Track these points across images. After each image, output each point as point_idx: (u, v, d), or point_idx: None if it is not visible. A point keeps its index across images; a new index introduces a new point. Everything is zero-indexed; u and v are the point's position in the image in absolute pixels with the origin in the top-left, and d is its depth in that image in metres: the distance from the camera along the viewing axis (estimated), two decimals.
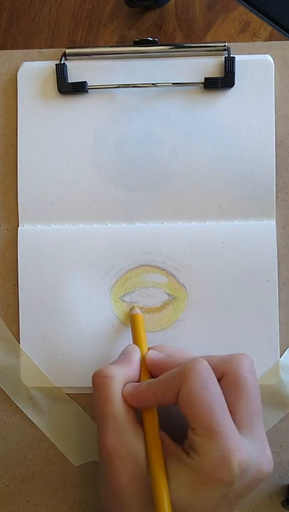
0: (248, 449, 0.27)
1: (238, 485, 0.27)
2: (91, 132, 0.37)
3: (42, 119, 0.37)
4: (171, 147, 0.36)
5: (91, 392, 0.36)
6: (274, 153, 0.36)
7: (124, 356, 0.33)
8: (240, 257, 0.36)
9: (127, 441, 0.29)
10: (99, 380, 0.30)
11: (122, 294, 0.36)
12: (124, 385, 0.31)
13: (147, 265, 0.36)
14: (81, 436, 0.37)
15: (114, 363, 0.32)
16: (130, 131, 0.37)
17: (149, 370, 0.32)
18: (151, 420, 0.30)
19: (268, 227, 0.36)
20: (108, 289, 0.36)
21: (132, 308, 0.36)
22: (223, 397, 0.28)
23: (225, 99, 0.36)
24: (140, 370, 0.32)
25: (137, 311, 0.35)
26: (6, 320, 0.37)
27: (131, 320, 0.35)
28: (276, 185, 0.36)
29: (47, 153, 0.37)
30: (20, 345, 0.36)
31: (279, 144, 0.36)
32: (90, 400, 0.37)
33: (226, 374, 0.29)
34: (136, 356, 0.32)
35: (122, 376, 0.31)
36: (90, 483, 0.37)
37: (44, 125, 0.37)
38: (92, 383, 0.31)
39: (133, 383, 0.31)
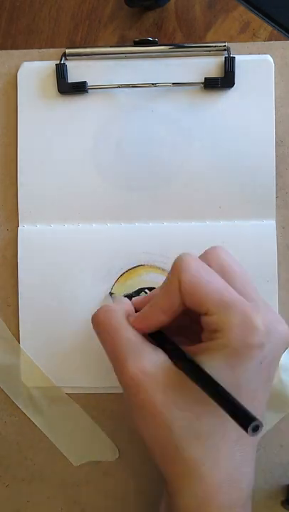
0: (263, 310, 0.28)
1: (267, 348, 0.27)
2: (91, 132, 0.37)
3: (42, 119, 0.37)
4: (171, 147, 0.36)
5: (91, 392, 0.36)
6: (274, 153, 0.36)
7: (115, 301, 0.33)
8: (240, 257, 0.36)
9: (148, 358, 0.28)
10: (101, 316, 0.30)
11: (122, 294, 0.36)
12: (125, 316, 0.30)
13: (147, 265, 0.36)
14: (81, 436, 0.37)
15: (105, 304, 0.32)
16: (130, 131, 0.37)
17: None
18: (164, 339, 0.29)
19: (267, 227, 0.36)
20: (108, 288, 0.36)
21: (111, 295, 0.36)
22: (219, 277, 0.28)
23: (225, 99, 0.36)
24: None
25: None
26: (6, 320, 0.37)
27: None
28: (276, 185, 0.36)
29: (47, 154, 0.37)
30: (20, 345, 0.36)
31: (279, 144, 0.36)
32: (90, 400, 0.37)
33: (210, 261, 0.29)
34: (125, 299, 0.33)
35: (122, 309, 0.31)
36: (90, 483, 0.37)
37: (44, 125, 0.37)
38: (95, 323, 0.30)
39: (134, 313, 0.31)
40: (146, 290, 0.36)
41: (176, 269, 0.28)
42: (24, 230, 0.37)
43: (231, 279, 0.29)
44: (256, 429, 0.23)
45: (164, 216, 0.37)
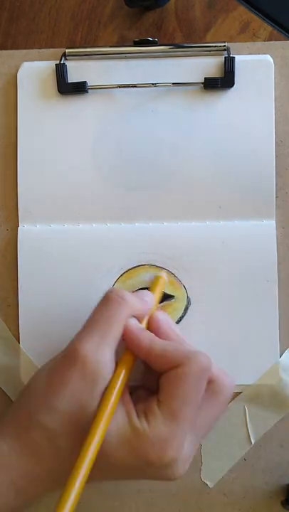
0: (186, 451, 0.28)
1: (153, 471, 0.28)
2: (91, 132, 0.37)
3: (42, 119, 0.37)
4: (171, 147, 0.36)
5: None
6: (274, 153, 0.36)
7: (139, 295, 0.33)
8: (240, 257, 0.36)
9: (100, 359, 0.28)
10: (114, 296, 0.30)
11: None
12: (130, 317, 0.31)
13: (147, 265, 0.36)
14: None
15: (130, 292, 0.32)
16: (130, 131, 0.37)
17: (151, 327, 0.32)
18: (128, 364, 0.30)
19: (267, 227, 0.36)
20: (108, 288, 0.36)
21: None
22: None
23: (225, 99, 0.36)
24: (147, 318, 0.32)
25: (162, 274, 0.36)
26: (6, 320, 0.37)
27: (154, 280, 0.35)
28: (276, 185, 0.36)
29: (47, 154, 0.37)
30: (20, 345, 0.36)
31: (279, 144, 0.37)
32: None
33: (213, 380, 0.30)
34: (150, 301, 0.33)
35: (133, 308, 0.31)
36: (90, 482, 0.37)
37: (44, 125, 0.37)
38: (106, 295, 0.31)
39: (139, 324, 0.31)
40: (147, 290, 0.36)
41: (189, 357, 0.29)
42: (24, 230, 0.37)
43: (206, 408, 0.30)
44: None
45: (164, 216, 0.37)
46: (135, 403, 0.29)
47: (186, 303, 0.36)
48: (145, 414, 0.28)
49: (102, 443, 0.27)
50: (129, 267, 0.36)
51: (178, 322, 0.36)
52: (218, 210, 0.36)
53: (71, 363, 0.28)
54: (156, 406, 0.28)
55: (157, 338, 0.30)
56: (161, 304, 0.36)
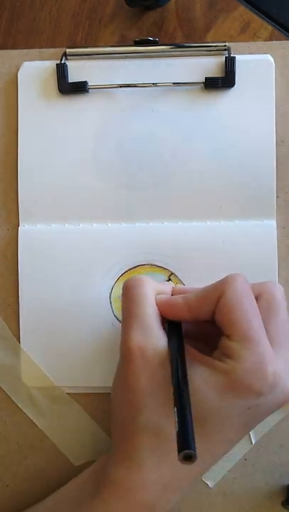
0: (281, 363, 0.28)
1: (264, 399, 0.27)
2: (91, 132, 0.37)
3: (42, 119, 0.37)
4: (171, 147, 0.36)
5: (91, 391, 0.36)
6: (274, 153, 0.36)
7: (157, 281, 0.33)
8: (241, 256, 0.36)
9: (153, 341, 0.29)
10: (132, 282, 0.31)
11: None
12: (156, 295, 0.31)
13: (148, 265, 0.36)
14: (81, 435, 0.37)
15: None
16: (131, 130, 0.37)
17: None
18: (177, 331, 0.30)
19: (268, 227, 0.36)
20: (108, 288, 0.36)
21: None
22: (259, 314, 0.29)
23: (225, 99, 0.36)
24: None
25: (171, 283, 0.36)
26: (7, 319, 0.37)
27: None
28: (276, 185, 0.36)
29: (47, 153, 0.37)
30: (21, 345, 0.36)
31: (279, 144, 0.36)
32: (90, 400, 0.37)
33: (262, 294, 0.30)
34: (169, 283, 0.33)
35: (155, 286, 0.31)
36: None
37: (44, 125, 0.37)
38: (124, 286, 0.31)
39: (166, 295, 0.31)
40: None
41: (225, 282, 0.29)
42: (24, 229, 0.37)
43: (271, 319, 0.29)
44: (188, 458, 0.23)
45: (164, 216, 0.37)
46: (211, 355, 0.29)
47: None
48: (225, 355, 0.28)
49: (202, 410, 0.26)
50: (130, 267, 0.36)
51: None
52: (218, 210, 0.36)
53: (131, 361, 0.29)
54: (229, 341, 0.28)
55: (187, 292, 0.31)
56: None
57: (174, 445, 0.23)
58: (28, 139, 0.37)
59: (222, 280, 0.29)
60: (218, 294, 0.29)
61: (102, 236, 0.36)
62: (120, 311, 0.36)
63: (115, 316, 0.36)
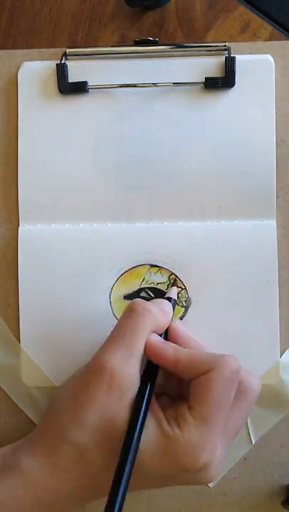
0: (219, 455, 0.28)
1: (188, 476, 0.28)
2: (91, 132, 0.37)
3: (42, 119, 0.37)
4: (171, 147, 0.36)
5: None
6: (274, 153, 0.36)
7: (158, 305, 0.32)
8: (241, 256, 0.36)
9: (128, 371, 0.29)
10: (141, 309, 0.30)
11: (123, 294, 0.36)
12: (152, 331, 0.31)
13: (148, 265, 0.36)
14: None
15: (152, 304, 0.32)
16: (131, 130, 0.37)
17: (170, 337, 0.32)
18: (154, 374, 0.30)
19: (268, 227, 0.36)
20: (108, 288, 0.36)
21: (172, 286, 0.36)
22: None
23: (225, 99, 0.36)
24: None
25: (174, 288, 0.36)
26: (7, 320, 0.37)
27: (169, 289, 0.36)
28: (276, 185, 0.36)
29: (47, 153, 0.37)
30: (21, 345, 0.36)
31: (279, 144, 0.36)
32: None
33: (242, 381, 0.30)
34: (169, 312, 0.33)
35: (157, 321, 0.31)
36: None
37: (44, 125, 0.37)
38: (131, 307, 0.31)
39: (159, 337, 0.31)
40: (147, 290, 0.36)
41: (219, 362, 0.29)
42: (25, 229, 0.37)
43: (236, 408, 0.30)
44: None
45: (164, 216, 0.37)
46: (163, 410, 0.29)
47: (186, 303, 0.36)
48: (176, 420, 0.28)
49: (138, 461, 0.27)
50: (130, 267, 0.36)
51: None
52: (218, 210, 0.36)
53: (97, 376, 0.29)
54: (188, 412, 0.28)
55: (181, 348, 0.31)
56: None
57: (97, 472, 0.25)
58: (28, 138, 0.37)
59: (217, 357, 0.29)
60: (207, 367, 0.29)
61: (102, 236, 0.36)
62: (120, 311, 0.36)
63: (115, 316, 0.36)
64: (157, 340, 0.31)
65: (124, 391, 0.28)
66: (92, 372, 0.29)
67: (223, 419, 0.28)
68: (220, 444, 0.28)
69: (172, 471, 0.28)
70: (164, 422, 0.28)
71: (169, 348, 0.30)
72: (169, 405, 0.30)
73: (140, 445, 0.27)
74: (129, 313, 0.31)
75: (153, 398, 0.30)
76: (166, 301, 0.34)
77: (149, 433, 0.28)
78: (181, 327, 0.33)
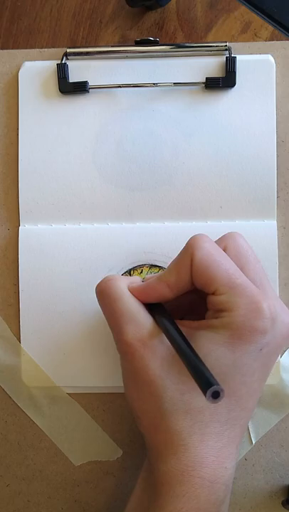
0: (271, 299, 0.28)
1: (270, 335, 0.27)
2: (92, 132, 0.37)
3: (43, 118, 0.37)
4: (172, 147, 0.36)
5: (92, 391, 0.36)
6: (275, 153, 0.36)
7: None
8: None
9: (146, 328, 0.29)
10: (103, 284, 0.30)
11: None
12: (129, 286, 0.31)
13: (148, 265, 0.36)
14: (82, 435, 0.37)
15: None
16: (131, 130, 0.37)
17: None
18: (162, 310, 0.30)
19: (268, 226, 0.36)
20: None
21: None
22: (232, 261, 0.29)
23: (226, 99, 0.36)
24: None
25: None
26: (7, 319, 0.37)
27: None
28: (277, 185, 0.36)
29: (48, 153, 0.37)
30: (21, 345, 0.36)
31: (280, 144, 0.36)
32: (90, 400, 0.37)
33: (228, 245, 0.30)
34: (137, 276, 0.33)
35: (124, 278, 0.31)
36: (91, 482, 0.37)
37: (45, 125, 0.37)
38: (97, 291, 0.31)
39: (139, 282, 0.31)
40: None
41: (190, 247, 0.29)
42: (25, 229, 0.37)
43: (244, 265, 0.29)
44: (216, 395, 0.23)
45: (164, 216, 0.37)
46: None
47: None
48: (218, 311, 0.28)
49: (219, 370, 0.27)
50: (130, 267, 0.36)
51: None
52: (219, 209, 0.36)
53: (135, 354, 0.28)
54: (216, 296, 0.28)
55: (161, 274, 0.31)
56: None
57: (207, 414, 0.24)
58: (28, 138, 0.37)
59: (186, 245, 0.29)
60: (189, 260, 0.29)
61: (102, 236, 0.36)
62: None
63: None
64: (138, 285, 0.30)
65: (160, 341, 0.28)
66: (126, 356, 0.29)
67: (240, 273, 0.28)
68: (266, 292, 0.28)
69: (258, 344, 0.27)
70: (213, 321, 0.28)
71: (152, 281, 0.30)
72: (203, 317, 0.30)
73: (215, 357, 0.27)
74: (100, 294, 0.30)
75: (187, 322, 0.29)
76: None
77: (211, 340, 0.27)
78: (150, 275, 0.32)
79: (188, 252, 0.29)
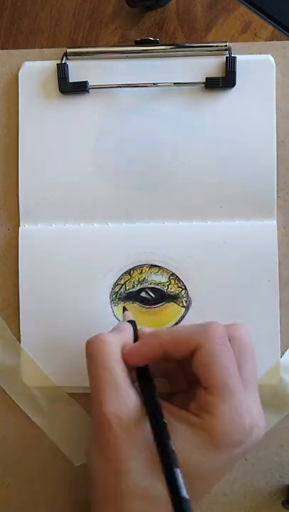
0: (255, 410, 0.28)
1: (244, 447, 0.28)
2: (92, 132, 0.37)
3: (43, 118, 0.37)
4: (172, 147, 0.36)
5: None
6: (275, 153, 0.36)
7: (116, 327, 0.32)
8: (241, 256, 0.36)
9: (127, 404, 0.28)
10: (95, 345, 0.30)
11: (123, 294, 0.36)
12: (122, 348, 0.30)
13: (148, 265, 0.36)
14: (82, 435, 0.37)
15: (103, 334, 0.31)
16: (131, 130, 0.37)
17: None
18: (150, 384, 0.29)
19: (268, 226, 0.36)
20: (109, 288, 0.36)
21: (124, 312, 0.35)
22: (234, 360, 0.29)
23: (226, 99, 0.36)
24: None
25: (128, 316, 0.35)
26: (7, 319, 0.37)
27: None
28: (277, 185, 0.36)
29: (48, 153, 0.37)
30: (21, 345, 0.36)
31: (280, 144, 0.36)
32: (90, 400, 0.37)
33: (233, 337, 0.30)
34: (129, 326, 0.32)
35: (118, 340, 0.30)
36: None
37: (45, 125, 0.37)
38: (87, 350, 0.30)
39: (132, 344, 0.30)
40: (148, 290, 0.36)
41: (203, 332, 0.28)
42: (25, 229, 0.37)
43: (243, 363, 0.30)
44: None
45: (165, 216, 0.37)
46: (185, 409, 0.29)
47: (186, 303, 0.36)
48: (203, 409, 0.28)
49: (186, 468, 0.26)
50: (130, 267, 0.36)
51: (179, 322, 0.36)
52: (219, 209, 0.36)
53: (110, 429, 0.28)
54: (208, 395, 0.28)
55: (159, 329, 0.31)
56: (163, 304, 0.36)
57: (164, 505, 0.23)
58: (28, 138, 0.37)
59: (199, 329, 0.29)
60: (195, 343, 0.28)
61: (102, 236, 0.36)
62: (120, 312, 0.36)
63: (115, 316, 0.36)
64: (129, 345, 0.30)
65: (137, 421, 0.28)
66: (101, 429, 0.28)
67: (238, 379, 0.28)
68: (251, 400, 0.29)
69: (230, 453, 0.27)
70: (194, 419, 0.28)
71: (149, 340, 0.30)
72: (188, 401, 0.29)
73: (186, 454, 0.27)
74: (89, 357, 0.30)
75: (170, 406, 0.29)
76: (121, 322, 0.33)
77: (187, 438, 0.27)
78: (145, 329, 0.32)
79: (199, 336, 0.28)
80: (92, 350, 0.29)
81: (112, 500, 0.28)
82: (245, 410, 0.28)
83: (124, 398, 0.28)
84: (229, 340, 0.29)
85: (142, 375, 0.30)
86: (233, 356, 0.29)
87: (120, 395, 0.28)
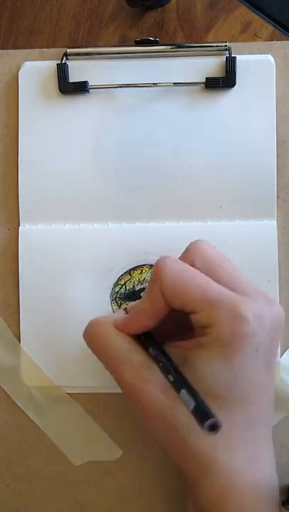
0: (250, 299, 0.28)
1: (261, 334, 0.27)
2: (92, 132, 0.37)
3: (43, 118, 0.37)
4: (172, 147, 0.36)
5: (91, 391, 0.36)
6: (275, 153, 0.36)
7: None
8: (241, 256, 0.36)
9: (140, 364, 0.28)
10: (90, 331, 0.30)
11: (123, 294, 0.36)
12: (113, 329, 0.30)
13: (148, 265, 0.36)
14: (82, 435, 0.37)
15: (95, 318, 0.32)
16: (131, 131, 0.37)
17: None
18: (151, 338, 0.30)
19: (268, 227, 0.36)
20: (109, 288, 0.36)
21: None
22: (202, 274, 0.29)
23: (226, 99, 0.36)
24: None
25: None
26: (7, 319, 0.37)
27: None
28: (277, 185, 0.36)
29: (48, 153, 0.37)
30: (21, 345, 0.36)
31: (280, 144, 0.36)
32: (90, 400, 0.37)
33: (193, 260, 0.30)
34: (121, 310, 0.33)
35: (109, 319, 0.31)
36: (91, 482, 0.37)
37: (45, 125, 0.37)
38: (86, 339, 0.31)
39: (123, 315, 0.31)
40: (147, 290, 0.36)
41: (157, 275, 0.29)
42: (25, 229, 0.37)
43: (216, 272, 0.29)
44: (213, 428, 0.23)
45: (164, 216, 0.37)
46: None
47: None
48: (203, 327, 0.28)
49: (222, 387, 0.27)
50: (130, 267, 0.36)
51: None
52: (219, 210, 0.36)
53: (133, 395, 0.29)
54: (196, 314, 0.28)
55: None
56: None
57: (226, 427, 0.24)
58: (28, 138, 0.37)
59: (153, 271, 0.29)
60: (158, 286, 0.28)
61: (102, 236, 0.36)
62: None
63: None
64: (120, 321, 0.30)
65: (156, 383, 0.28)
66: (131, 397, 0.29)
67: (211, 284, 0.28)
68: (247, 293, 0.28)
69: (251, 347, 0.27)
70: (201, 339, 0.28)
71: (133, 313, 0.30)
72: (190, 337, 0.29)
73: (216, 372, 0.27)
74: (90, 343, 0.30)
75: (180, 343, 0.29)
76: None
77: (205, 360, 0.27)
78: (132, 303, 0.32)
79: (156, 280, 0.29)
80: (89, 336, 0.30)
81: (184, 453, 0.28)
82: (239, 302, 0.27)
83: (133, 359, 0.29)
84: (192, 264, 0.29)
85: (144, 339, 0.30)
86: (196, 271, 0.28)
87: (129, 359, 0.29)
